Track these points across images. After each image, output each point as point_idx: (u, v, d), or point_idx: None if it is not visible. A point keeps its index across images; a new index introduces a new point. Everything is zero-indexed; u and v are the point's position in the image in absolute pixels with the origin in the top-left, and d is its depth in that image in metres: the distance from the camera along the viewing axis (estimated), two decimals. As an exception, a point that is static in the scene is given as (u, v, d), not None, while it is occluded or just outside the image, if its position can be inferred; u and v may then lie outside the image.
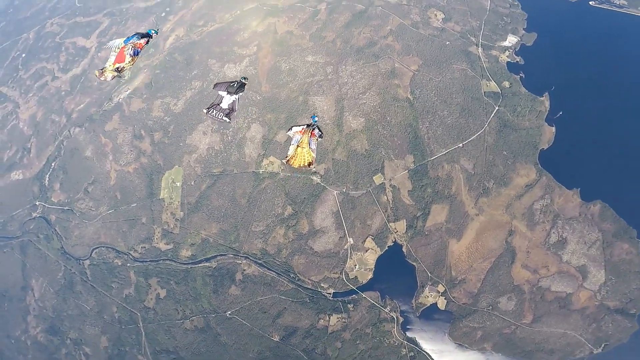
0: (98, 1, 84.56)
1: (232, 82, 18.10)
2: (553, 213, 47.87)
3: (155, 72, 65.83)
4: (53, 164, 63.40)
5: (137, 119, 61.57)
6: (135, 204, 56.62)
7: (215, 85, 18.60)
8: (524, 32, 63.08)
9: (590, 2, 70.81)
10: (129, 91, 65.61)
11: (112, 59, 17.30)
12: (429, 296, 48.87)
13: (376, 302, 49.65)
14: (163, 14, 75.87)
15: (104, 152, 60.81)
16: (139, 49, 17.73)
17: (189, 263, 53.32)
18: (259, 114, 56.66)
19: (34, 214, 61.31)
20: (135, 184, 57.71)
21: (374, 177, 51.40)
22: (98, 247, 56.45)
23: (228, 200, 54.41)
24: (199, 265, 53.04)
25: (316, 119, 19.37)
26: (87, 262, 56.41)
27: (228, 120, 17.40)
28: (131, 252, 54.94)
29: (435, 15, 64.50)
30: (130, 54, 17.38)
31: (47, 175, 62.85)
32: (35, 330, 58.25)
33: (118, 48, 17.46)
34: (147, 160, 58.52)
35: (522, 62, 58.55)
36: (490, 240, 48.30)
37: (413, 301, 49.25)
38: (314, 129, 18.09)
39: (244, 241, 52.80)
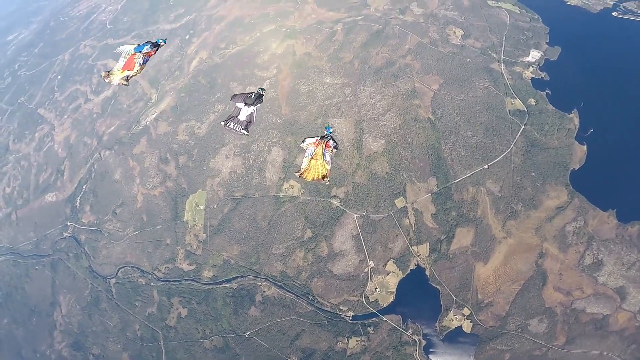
0: (126, 24, 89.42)
1: (250, 93, 17.88)
2: (587, 235, 45.41)
3: (181, 95, 68.27)
4: (84, 187, 66.52)
5: (163, 142, 63.74)
6: (160, 226, 58.31)
7: (233, 96, 18.37)
8: (547, 46, 61.30)
9: (613, 13, 68.36)
10: (156, 114, 68.26)
11: (121, 63, 17.42)
12: (454, 319, 47.28)
13: (397, 325, 48.49)
14: (187, 37, 79.17)
15: (131, 175, 63.24)
16: (148, 57, 17.98)
17: (210, 283, 54.21)
18: (279, 137, 57.41)
19: (65, 234, 64.27)
20: (161, 207, 59.45)
21: (395, 201, 50.64)
22: (124, 267, 58.35)
23: (249, 223, 55.12)
24: (220, 286, 53.76)
25: (331, 130, 18.88)
26: (113, 280, 58.34)
27: (246, 132, 17.04)
28: (155, 272, 56.39)
29: (454, 33, 63.82)
30: (139, 63, 17.56)
31: (79, 198, 65.93)
32: (60, 345, 60.30)
33: (128, 54, 17.58)
34: (172, 184, 60.31)
35: (548, 78, 56.64)
36: (519, 263, 46.34)
37: (437, 324, 47.73)
38: (328, 140, 17.56)
39: (264, 263, 53.26)
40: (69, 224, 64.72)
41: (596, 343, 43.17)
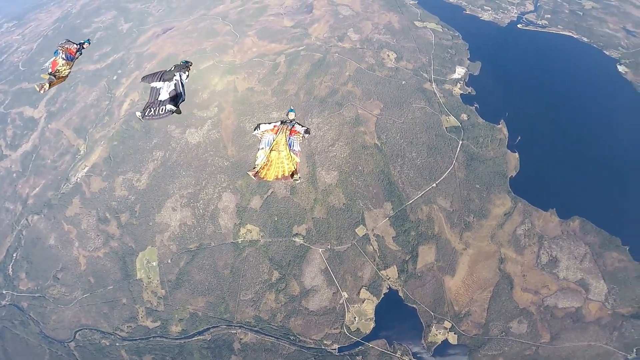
0: (43, 64, 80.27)
1: (167, 69, 14.26)
2: (537, 235, 49.49)
3: (113, 144, 62.56)
4: (15, 255, 58.48)
5: (99, 200, 57.74)
6: (111, 287, 53.69)
7: (144, 78, 14.62)
8: (469, 62, 67.21)
9: (518, 25, 77.51)
10: (86, 168, 61.70)
11: (48, 72, 16.41)
12: (438, 334, 48.32)
13: (385, 350, 48.54)
14: (115, 77, 73.36)
15: (68, 239, 56.76)
16: (71, 55, 16.68)
17: (181, 338, 51.15)
18: (228, 182, 55.01)
19: (3, 302, 56.45)
20: (108, 267, 54.44)
21: (356, 230, 51.03)
22: (81, 330, 53.21)
23: (210, 273, 52.17)
24: (193, 339, 50.89)
25: (294, 111, 14.33)
26: (73, 344, 52.81)
27: (174, 108, 13.11)
28: (117, 332, 52.15)
29: (388, 56, 67.18)
30: (62, 58, 16.45)
31: (10, 266, 57.82)
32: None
33: (50, 62, 16.71)
34: (117, 243, 55.09)
35: (474, 93, 61.91)
36: (483, 271, 48.96)
37: (423, 341, 48.49)
38: (293, 125, 13.28)
39: (235, 311, 51.02)
40: (4, 292, 56.81)
41: (580, 335, 46.10)
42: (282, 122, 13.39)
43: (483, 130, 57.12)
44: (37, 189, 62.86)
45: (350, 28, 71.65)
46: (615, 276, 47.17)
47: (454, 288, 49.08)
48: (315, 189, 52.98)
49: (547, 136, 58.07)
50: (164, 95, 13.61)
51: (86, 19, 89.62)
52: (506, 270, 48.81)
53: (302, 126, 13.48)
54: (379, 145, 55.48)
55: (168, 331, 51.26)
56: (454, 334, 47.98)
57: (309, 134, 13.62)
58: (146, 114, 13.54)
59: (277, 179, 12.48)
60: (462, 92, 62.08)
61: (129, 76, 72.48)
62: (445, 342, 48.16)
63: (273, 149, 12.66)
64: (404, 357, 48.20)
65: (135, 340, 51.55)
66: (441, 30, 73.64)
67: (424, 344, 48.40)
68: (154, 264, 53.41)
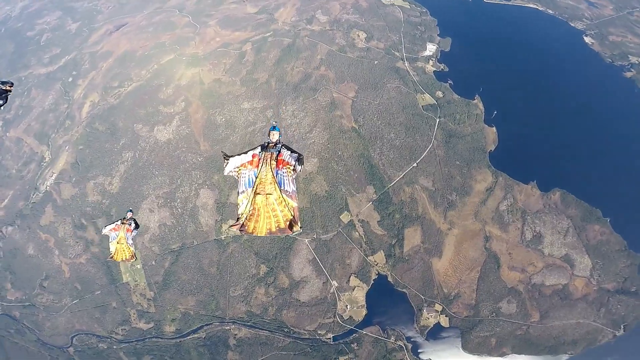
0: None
1: None
2: (520, 210, 50.07)
3: (79, 149, 58.97)
4: None
5: (72, 207, 55.02)
6: (99, 292, 52.71)
7: None
8: (439, 38, 66.57)
9: (484, -1, 77.11)
10: (54, 175, 58.21)
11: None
12: (430, 317, 48.76)
13: (379, 336, 49.14)
14: (70, 79, 68.71)
15: (47, 248, 54.48)
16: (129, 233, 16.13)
17: (176, 337, 50.96)
18: (204, 178, 53.08)
19: None
20: (92, 273, 53.03)
21: (340, 217, 50.57)
22: (77, 335, 52.55)
23: (196, 272, 51.17)
24: (188, 337, 50.77)
25: (279, 130, 10.23)
26: (71, 349, 52.21)
27: None
28: (113, 335, 51.75)
29: (359, 36, 65.57)
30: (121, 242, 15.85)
31: None
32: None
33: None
34: (98, 249, 53.18)
35: (447, 69, 61.53)
36: (470, 251, 49.39)
37: (415, 325, 49.02)
38: (279, 150, 9.66)
39: (226, 307, 50.63)
40: None
41: (568, 312, 47.06)
42: (262, 148, 9.60)
43: (459, 107, 57.12)
44: (5, 200, 59.31)
45: (318, 10, 69.21)
46: (599, 250, 48.17)
47: (442, 270, 49.56)
48: (296, 178, 51.78)
49: (523, 109, 58.68)
50: None
51: (28, 22, 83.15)
52: (492, 249, 49.45)
53: (292, 151, 9.56)
54: (357, 128, 54.61)
55: (162, 331, 50.94)
56: (445, 316, 48.64)
57: (303, 164, 9.61)
58: None
59: (270, 233, 9.18)
60: (435, 69, 61.62)
61: (85, 77, 68.02)
62: (438, 325, 48.76)
63: (257, 191, 9.02)
64: (398, 342, 48.81)
65: (132, 342, 51.26)
66: (409, 6, 72.33)
67: (417, 328, 48.96)
68: (139, 266, 52.13)
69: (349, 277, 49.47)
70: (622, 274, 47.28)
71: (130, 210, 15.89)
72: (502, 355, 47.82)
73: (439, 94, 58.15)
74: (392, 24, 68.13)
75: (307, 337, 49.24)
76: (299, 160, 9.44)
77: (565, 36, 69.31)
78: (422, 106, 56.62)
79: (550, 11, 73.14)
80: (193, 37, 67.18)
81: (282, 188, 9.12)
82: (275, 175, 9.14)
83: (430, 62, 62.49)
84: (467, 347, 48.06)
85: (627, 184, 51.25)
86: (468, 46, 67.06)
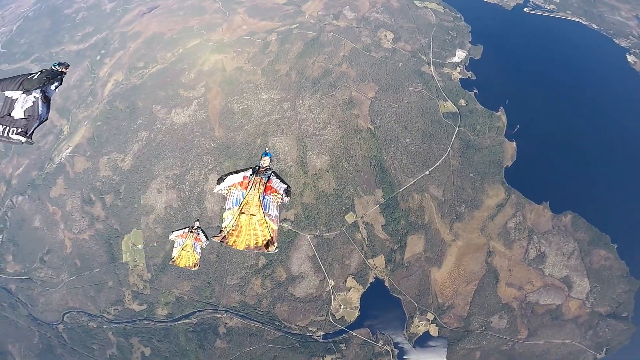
0: (24, 46, 77.23)
1: (32, 74, 10.88)
2: (527, 229, 48.44)
3: (97, 125, 60.34)
4: (0, 237, 57.50)
5: (83, 181, 56.16)
6: (97, 270, 53.20)
7: None
8: (470, 45, 64.14)
9: (525, 9, 73.89)
10: (70, 148, 59.71)
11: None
12: (420, 325, 48.31)
13: (367, 338, 48.68)
14: (98, 57, 70.41)
15: (53, 221, 55.55)
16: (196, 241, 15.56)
17: (167, 321, 51.28)
18: (215, 163, 53.20)
19: None
20: (94, 250, 53.68)
21: (345, 217, 49.73)
22: (69, 312, 53.35)
23: (196, 257, 51.13)
24: (179, 322, 51.02)
25: (271, 155, 11.19)
26: (61, 326, 53.19)
27: (23, 139, 10.24)
28: (104, 315, 52.41)
29: (385, 36, 64.09)
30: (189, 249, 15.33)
31: None
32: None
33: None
34: (102, 225, 54.02)
35: (474, 78, 59.28)
36: (470, 264, 48.18)
37: (405, 332, 48.63)
38: (269, 177, 10.32)
39: (221, 295, 50.58)
40: None
41: (556, 332, 46.33)
42: (253, 172, 10.23)
43: (481, 118, 54.97)
44: (20, 169, 61.08)
45: (347, 6, 68.11)
46: (600, 274, 46.94)
47: (439, 280, 48.46)
48: (305, 173, 51.27)
49: (548, 126, 55.93)
50: (18, 112, 10.33)
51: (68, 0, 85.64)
52: (493, 264, 48.11)
53: (282, 181, 10.32)
54: (372, 129, 53.40)
55: (154, 314, 51.18)
56: (436, 326, 47.99)
57: (290, 195, 10.35)
58: None
59: (248, 248, 9.91)
60: (461, 76, 59.49)
61: (113, 56, 69.51)
62: (427, 334, 48.26)
63: (243, 211, 9.81)
64: (385, 347, 48.42)
65: (122, 322, 51.72)
66: (442, 10, 70.13)
67: (406, 335, 48.49)
68: (140, 247, 52.56)
69: (347, 277, 48.76)
70: (618, 299, 46.29)
71: (198, 220, 15.76)
72: None
73: (462, 102, 56.07)
74: (423, 27, 66.25)
75: (297, 332, 49.17)
76: (287, 192, 10.26)
77: (607, 53, 65.40)
78: (443, 113, 54.77)
79: (594, 26, 69.22)
80: (221, 23, 67.51)
81: (266, 211, 9.85)
82: (261, 199, 9.89)
83: (458, 68, 60.36)
84: (452, 358, 47.66)
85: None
86: (500, 56, 64.41)
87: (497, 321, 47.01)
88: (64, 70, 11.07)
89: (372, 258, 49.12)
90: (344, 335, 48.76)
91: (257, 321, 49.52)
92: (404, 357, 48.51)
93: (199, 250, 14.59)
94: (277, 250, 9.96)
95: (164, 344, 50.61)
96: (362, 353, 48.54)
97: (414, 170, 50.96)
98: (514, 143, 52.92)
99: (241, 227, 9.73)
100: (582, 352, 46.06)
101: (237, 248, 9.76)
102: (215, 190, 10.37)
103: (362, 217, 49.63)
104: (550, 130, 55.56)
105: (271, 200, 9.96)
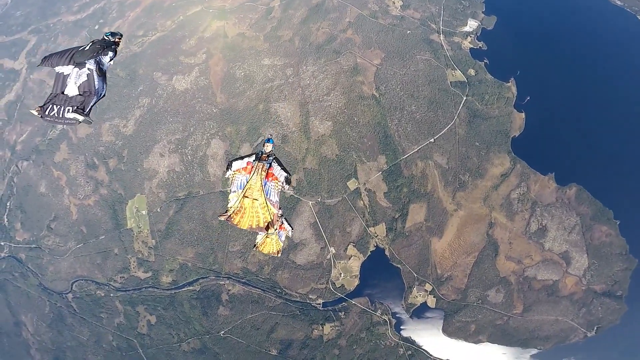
0: (20, 18, 75.93)
1: (83, 46, 9.78)
2: (531, 201, 47.67)
3: (99, 91, 59.78)
4: (8, 204, 58.33)
5: (86, 146, 56.12)
6: (103, 237, 53.71)
7: (45, 59, 9.86)
8: (483, 15, 61.41)
9: (544, -21, 70.30)
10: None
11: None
12: (418, 296, 48.57)
13: (366, 307, 49.23)
14: (96, 27, 68.90)
15: (58, 186, 55.97)
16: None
17: (171, 289, 52.09)
18: (217, 128, 52.62)
19: (2, 254, 57.36)
20: (99, 216, 54.09)
21: (347, 183, 49.29)
22: (77, 281, 54.39)
23: (199, 223, 51.60)
24: (183, 289, 51.87)
25: (273, 141, 11.44)
26: (70, 295, 54.26)
27: (81, 118, 9.29)
28: (111, 283, 53.19)
29: (394, 3, 61.74)
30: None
31: (5, 216, 57.82)
32: (43, 363, 55.83)
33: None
34: (106, 191, 54.22)
35: (485, 48, 57.12)
36: (471, 235, 47.80)
37: (403, 302, 49.04)
38: (270, 164, 10.78)
39: (223, 262, 51.17)
40: (2, 243, 57.53)
41: (550, 309, 46.50)
42: (257, 157, 10.85)
43: (490, 88, 53.30)
44: (24, 135, 61.12)
45: (354, -30, 65.54)
46: (599, 251, 46.50)
47: (439, 250, 48.30)
48: (307, 138, 50.60)
49: (559, 99, 54.18)
50: (72, 89, 9.27)
51: None
52: (494, 236, 47.73)
53: (283, 169, 10.96)
54: (377, 96, 52.16)
55: (159, 282, 51.91)
56: (434, 297, 48.17)
57: (290, 184, 11.18)
58: (47, 112, 9.21)
59: (250, 228, 10.88)
60: (472, 46, 57.29)
61: (112, 25, 67.61)
62: (424, 305, 48.60)
63: (246, 194, 10.58)
64: (383, 316, 48.96)
65: (129, 291, 52.59)
66: (455, -22, 67.11)
67: (404, 305, 48.86)
68: (144, 212, 52.77)
69: (347, 245, 48.83)
70: (614, 277, 46.20)
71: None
72: (477, 342, 48.00)
73: (472, 71, 54.31)
74: (434, -5, 63.68)
75: (297, 299, 49.73)
76: (287, 180, 11.05)
77: (628, 31, 62.00)
78: (451, 82, 53.19)
79: (618, 2, 65.65)
80: (222, -12, 65.59)
81: (268, 197, 10.67)
82: (263, 185, 10.63)
83: (469, 38, 58.12)
84: (447, 330, 48.29)
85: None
86: (514, 27, 61.64)
87: (494, 295, 47.23)
88: (117, 40, 10.34)
89: (373, 226, 48.99)
90: (343, 303, 49.30)
91: (259, 288, 50.21)
92: (401, 327, 49.20)
93: (283, 238, 14.01)
94: (276, 231, 11.14)
95: (169, 311, 51.63)
96: (361, 322, 49.21)
97: (419, 137, 49.99)
98: (523, 114, 51.41)
99: (245, 209, 10.70)
100: (574, 330, 46.45)
101: (241, 227, 10.86)
102: (225, 176, 11.13)
103: (364, 184, 49.17)
104: (562, 103, 53.98)
105: (272, 186, 10.76)
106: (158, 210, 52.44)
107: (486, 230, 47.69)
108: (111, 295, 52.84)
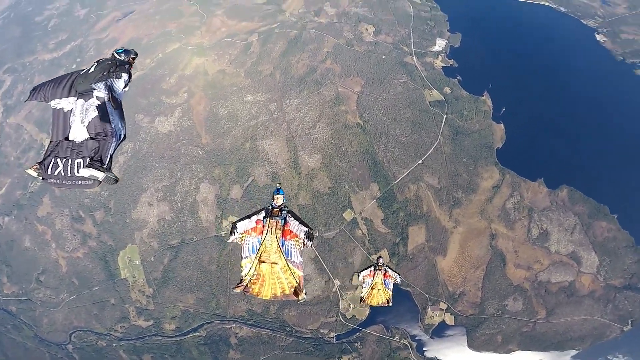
0: None
1: (85, 68, 7.54)
2: (526, 208, 48.91)
3: (78, 139, 57.90)
4: None
5: (70, 198, 53.99)
6: (97, 287, 51.61)
7: (35, 91, 7.21)
8: (449, 33, 64.69)
9: (495, -4, 74.96)
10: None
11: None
12: (434, 316, 48.29)
13: (383, 334, 48.76)
14: (74, 66, 67.29)
15: (44, 240, 53.54)
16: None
17: (176, 335, 50.36)
18: (205, 172, 51.85)
19: None
20: (90, 268, 52.03)
21: (343, 214, 49.41)
22: (75, 331, 51.87)
23: (196, 269, 50.25)
24: (188, 336, 50.25)
25: (283, 192, 10.01)
26: (70, 346, 51.58)
27: (100, 174, 6.75)
28: (112, 333, 51.03)
29: (367, 30, 63.89)
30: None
31: None
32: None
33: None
34: (95, 243, 52.23)
35: (456, 65, 59.80)
36: (475, 249, 48.38)
37: (420, 324, 48.65)
38: (285, 218, 9.23)
39: (227, 306, 49.99)
40: None
41: (574, 309, 46.61)
42: (267, 213, 9.10)
43: (467, 103, 55.54)
44: (3, 188, 58.27)
45: (327, 2, 67.38)
46: (606, 247, 47.42)
47: (446, 268, 48.60)
48: (298, 174, 50.63)
49: (531, 106, 57.19)
50: (79, 131, 6.52)
51: (38, 7, 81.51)
52: (498, 247, 48.45)
53: (301, 223, 9.22)
54: (362, 124, 53.14)
55: (162, 329, 50.14)
56: (451, 314, 47.92)
57: (313, 240, 9.33)
58: (49, 170, 6.48)
59: (275, 297, 9.16)
60: (443, 64, 59.92)
61: (89, 64, 66.65)
62: (443, 324, 48.21)
63: (262, 259, 8.90)
64: (402, 341, 48.33)
65: (131, 340, 50.55)
66: (419, 1, 70.44)
67: (421, 326, 48.41)
68: (137, 262, 51.07)
69: (352, 275, 48.57)
70: (630, 270, 46.70)
71: (380, 257, 16.09)
72: (508, 352, 47.51)
73: (447, 89, 56.53)
74: (402, 19, 66.31)
75: (309, 336, 48.73)
76: (309, 236, 9.15)
77: (577, 34, 67.48)
78: (430, 102, 55.07)
79: (562, 9, 71.03)
80: (199, 26, 65.52)
81: (289, 258, 8.95)
82: (281, 245, 8.96)
83: (439, 57, 60.76)
84: (473, 345, 47.69)
85: (635, 181, 50.48)
86: (478, 42, 65.30)
87: (512, 303, 47.20)
88: (131, 59, 7.61)
89: (375, 253, 48.98)
90: (357, 333, 48.64)
91: (268, 328, 49.07)
92: (424, 348, 48.53)
93: (391, 287, 14.39)
94: (306, 296, 9.28)
95: (177, 358, 49.96)
96: (380, 350, 48.60)
97: (407, 160, 51.05)
98: (502, 125, 53.71)
99: (263, 276, 8.96)
100: (607, 326, 46.24)
101: (263, 297, 9.08)
102: (229, 241, 9.40)
103: (360, 213, 49.46)
104: (535, 108, 56.87)
105: (292, 245, 9.06)
106: (152, 259, 50.78)
107: (489, 242, 48.39)
108: (114, 344, 50.66)
